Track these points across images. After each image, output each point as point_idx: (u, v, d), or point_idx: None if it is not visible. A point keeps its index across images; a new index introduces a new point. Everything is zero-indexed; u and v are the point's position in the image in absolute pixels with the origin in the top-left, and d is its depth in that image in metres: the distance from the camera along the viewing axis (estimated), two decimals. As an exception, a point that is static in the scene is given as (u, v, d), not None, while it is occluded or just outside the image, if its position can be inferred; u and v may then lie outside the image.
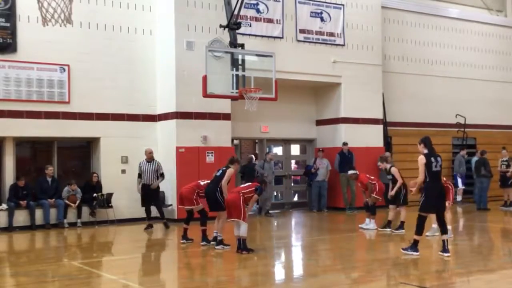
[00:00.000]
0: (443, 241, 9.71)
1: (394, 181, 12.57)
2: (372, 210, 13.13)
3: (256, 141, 18.43)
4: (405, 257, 9.69)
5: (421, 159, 9.63)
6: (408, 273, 8.87)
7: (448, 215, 11.72)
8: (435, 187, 9.68)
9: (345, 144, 17.04)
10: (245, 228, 10.08)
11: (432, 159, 9.66)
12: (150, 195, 13.73)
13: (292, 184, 18.86)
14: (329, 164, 17.23)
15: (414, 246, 9.76)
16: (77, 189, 14.45)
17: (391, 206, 12.80)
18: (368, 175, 13.33)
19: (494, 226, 14.78)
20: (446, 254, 9.57)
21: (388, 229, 12.67)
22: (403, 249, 9.92)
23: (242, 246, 10.10)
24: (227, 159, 11.49)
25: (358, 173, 13.46)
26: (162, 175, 13.90)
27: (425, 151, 9.74)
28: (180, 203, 11.53)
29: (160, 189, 15.30)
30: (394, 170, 12.58)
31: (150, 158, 13.80)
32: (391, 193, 12.60)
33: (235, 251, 10.18)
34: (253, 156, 17.79)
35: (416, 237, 9.77)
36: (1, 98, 13.87)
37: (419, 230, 9.75)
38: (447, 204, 11.59)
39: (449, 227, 11.70)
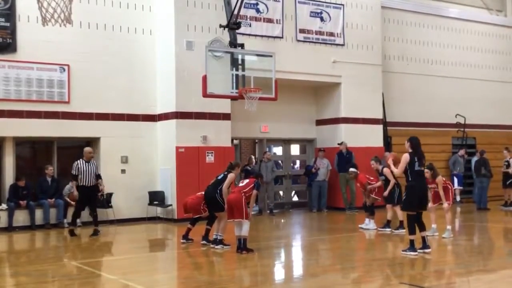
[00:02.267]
0: (423, 237, 9.87)
1: (387, 181, 12.61)
2: (370, 210, 13.14)
3: (256, 141, 18.44)
4: (404, 257, 9.69)
5: (405, 157, 9.77)
6: (408, 273, 8.87)
7: (448, 215, 11.74)
8: (417, 186, 9.82)
9: (341, 143, 17.00)
10: (247, 227, 10.08)
11: (416, 158, 9.78)
12: (89, 197, 12.90)
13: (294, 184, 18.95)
14: (330, 164, 17.24)
15: (412, 246, 9.79)
16: None
17: (388, 206, 12.82)
18: (367, 176, 13.32)
19: (494, 226, 14.78)
20: (427, 250, 9.80)
21: (388, 229, 12.67)
22: (403, 251, 9.93)
23: (243, 246, 10.10)
24: (227, 161, 11.52)
25: (358, 172, 13.45)
26: (100, 176, 13.05)
27: (410, 150, 9.88)
28: (185, 212, 11.55)
29: (160, 189, 15.40)
30: (386, 171, 12.60)
31: (89, 159, 12.83)
32: (385, 193, 12.64)
33: (235, 251, 10.18)
34: (252, 156, 17.87)
35: (410, 237, 9.82)
36: (1, 98, 13.87)
37: (412, 229, 9.82)
38: (447, 204, 11.63)
39: (448, 227, 11.74)
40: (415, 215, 9.85)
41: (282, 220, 16.01)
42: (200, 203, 11.08)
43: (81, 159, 12.80)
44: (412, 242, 9.77)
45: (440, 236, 11.62)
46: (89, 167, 12.75)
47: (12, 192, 13.87)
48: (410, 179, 9.78)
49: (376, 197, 13.04)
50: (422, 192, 9.94)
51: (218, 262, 10.23)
